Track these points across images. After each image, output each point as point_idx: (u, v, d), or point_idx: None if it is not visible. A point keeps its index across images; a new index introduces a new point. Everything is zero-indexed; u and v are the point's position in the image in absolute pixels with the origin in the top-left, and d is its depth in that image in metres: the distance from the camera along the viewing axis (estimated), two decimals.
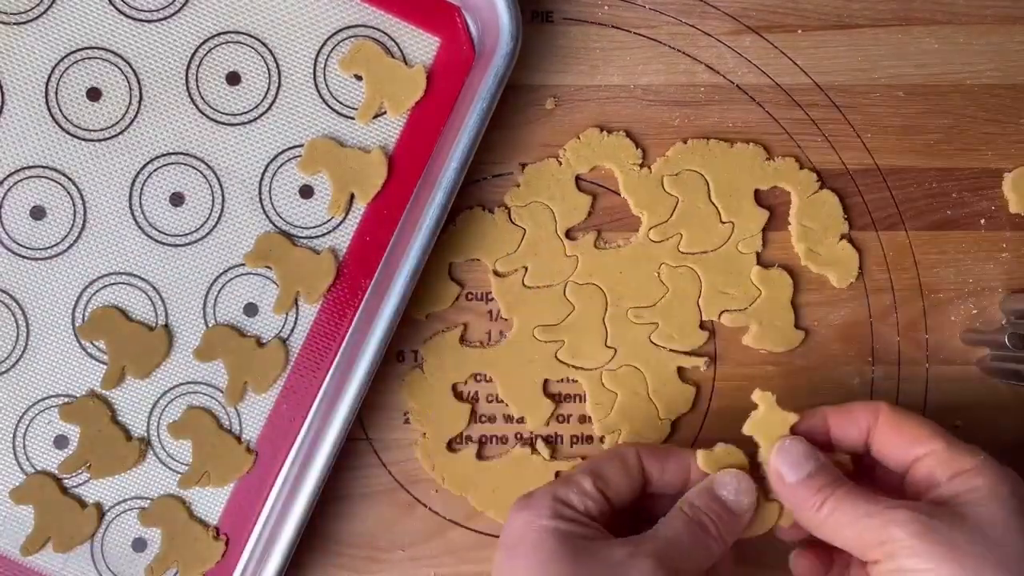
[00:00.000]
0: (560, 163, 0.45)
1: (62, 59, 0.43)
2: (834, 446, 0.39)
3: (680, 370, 0.45)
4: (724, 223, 0.45)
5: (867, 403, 0.39)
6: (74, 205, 0.44)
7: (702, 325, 0.45)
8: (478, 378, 0.45)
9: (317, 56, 0.44)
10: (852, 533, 0.36)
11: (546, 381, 0.45)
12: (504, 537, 0.37)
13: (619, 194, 0.45)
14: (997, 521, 0.35)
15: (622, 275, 0.45)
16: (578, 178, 0.45)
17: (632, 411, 0.45)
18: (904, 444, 0.37)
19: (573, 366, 0.45)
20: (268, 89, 0.44)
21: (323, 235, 0.44)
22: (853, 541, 0.36)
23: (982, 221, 0.46)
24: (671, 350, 0.45)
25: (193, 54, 0.44)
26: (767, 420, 0.38)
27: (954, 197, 0.46)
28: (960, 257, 0.46)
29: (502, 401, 0.45)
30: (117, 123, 0.44)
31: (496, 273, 0.45)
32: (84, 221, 0.44)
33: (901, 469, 0.38)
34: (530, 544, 0.36)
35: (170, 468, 0.44)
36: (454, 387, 0.45)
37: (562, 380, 0.45)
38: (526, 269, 0.45)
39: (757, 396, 0.38)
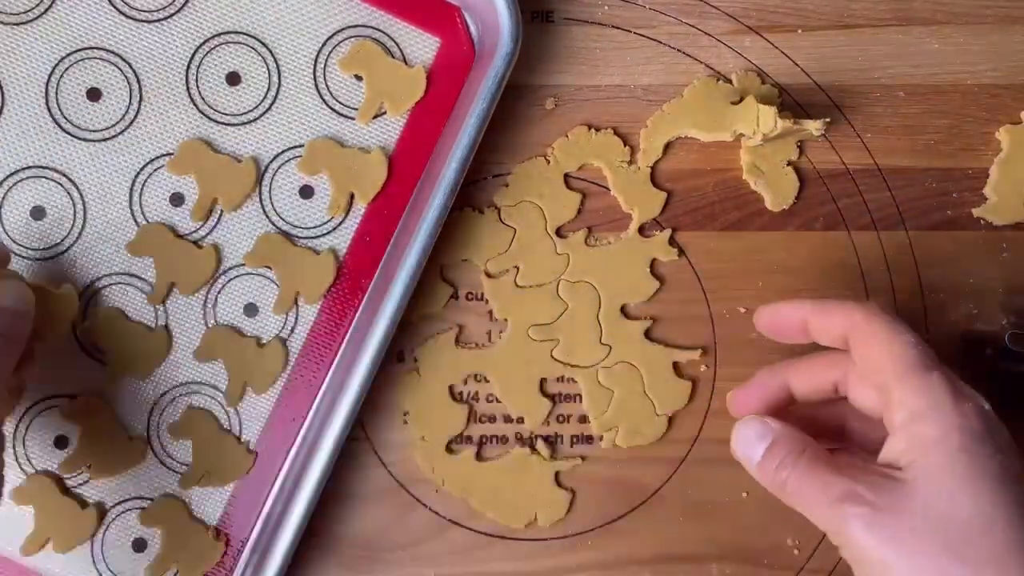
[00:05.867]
0: (548, 161, 0.45)
1: (62, 59, 0.43)
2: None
3: (676, 365, 0.45)
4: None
5: (845, 304, 0.36)
6: (74, 205, 0.44)
7: None
8: (478, 378, 0.45)
9: (317, 56, 0.44)
10: (815, 517, 0.34)
11: (544, 381, 0.45)
12: None
13: (609, 190, 0.45)
14: (942, 491, 0.32)
15: (614, 272, 0.45)
16: (567, 176, 0.45)
17: (629, 408, 0.45)
18: (866, 385, 0.35)
19: (569, 364, 0.45)
20: (268, 89, 0.44)
21: (323, 235, 0.44)
22: (820, 524, 0.34)
23: (982, 221, 0.46)
24: (665, 345, 0.45)
25: (193, 54, 0.44)
26: None
27: (954, 197, 0.46)
28: (960, 257, 0.46)
29: (502, 401, 0.45)
30: (117, 123, 0.44)
31: (488, 274, 0.45)
32: (84, 221, 0.44)
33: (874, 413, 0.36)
34: None
35: (170, 468, 0.44)
36: (451, 388, 0.45)
37: (560, 380, 0.45)
38: (518, 269, 0.45)
39: None
